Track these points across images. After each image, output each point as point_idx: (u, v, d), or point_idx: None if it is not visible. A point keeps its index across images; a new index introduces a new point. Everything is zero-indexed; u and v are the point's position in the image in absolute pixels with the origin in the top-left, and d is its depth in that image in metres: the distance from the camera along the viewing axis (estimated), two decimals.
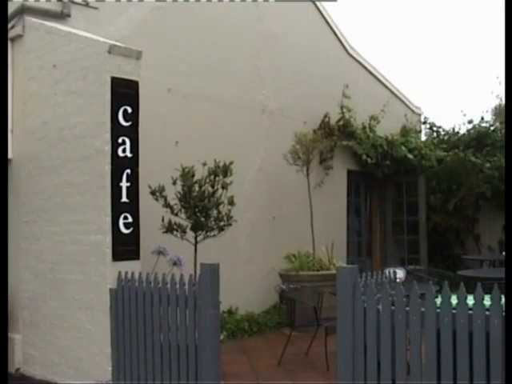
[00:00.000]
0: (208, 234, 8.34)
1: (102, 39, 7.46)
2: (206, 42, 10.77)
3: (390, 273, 6.59)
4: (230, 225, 8.46)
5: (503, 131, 16.55)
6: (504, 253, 14.26)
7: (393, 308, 4.70)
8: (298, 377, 7.97)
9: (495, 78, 31.41)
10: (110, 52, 7.10)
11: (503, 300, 4.32)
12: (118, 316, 6.49)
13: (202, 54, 10.67)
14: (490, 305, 4.35)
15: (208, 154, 8.67)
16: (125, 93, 7.15)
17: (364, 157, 13.83)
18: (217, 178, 8.29)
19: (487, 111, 22.24)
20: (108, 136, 7.00)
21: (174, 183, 8.17)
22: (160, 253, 7.48)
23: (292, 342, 8.87)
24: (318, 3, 13.45)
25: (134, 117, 7.19)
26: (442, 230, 15.90)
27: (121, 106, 7.08)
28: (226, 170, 8.34)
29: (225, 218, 8.37)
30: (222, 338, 8.62)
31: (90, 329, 7.23)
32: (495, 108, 21.23)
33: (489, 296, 4.37)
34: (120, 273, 6.56)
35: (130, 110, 7.15)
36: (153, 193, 8.10)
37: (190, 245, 8.26)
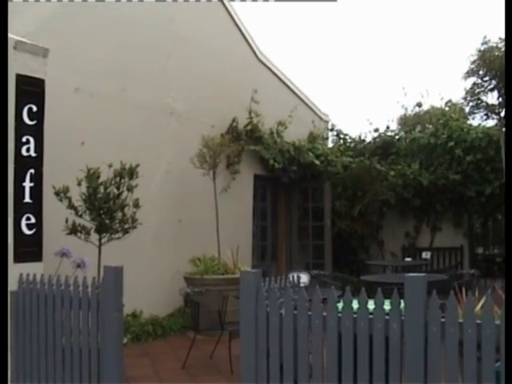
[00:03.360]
0: (112, 236, 8.27)
1: None
2: (115, 43, 10.65)
3: (293, 277, 6.66)
4: (135, 227, 8.42)
5: (408, 140, 17.00)
6: (407, 259, 14.66)
7: (295, 312, 4.75)
8: (201, 380, 7.97)
9: (401, 89, 32.35)
10: (15, 48, 6.94)
11: (402, 304, 4.43)
12: (19, 319, 6.35)
13: (111, 54, 10.54)
14: (390, 309, 4.45)
15: (114, 156, 8.58)
16: (30, 91, 7.00)
17: (271, 162, 13.93)
18: (122, 180, 8.23)
19: (393, 120, 22.87)
20: (11, 135, 6.84)
21: (79, 184, 8.07)
22: (63, 255, 7.36)
23: (196, 345, 8.85)
24: (229, 8, 13.48)
25: (39, 116, 7.04)
26: (346, 235, 16.18)
27: (25, 105, 6.92)
28: (131, 172, 8.29)
29: (130, 221, 8.32)
30: (125, 341, 8.56)
31: None
32: (400, 118, 21.82)
33: (389, 301, 4.47)
34: (21, 275, 6.41)
35: (35, 108, 6.99)
36: (57, 193, 7.97)
37: (94, 247, 8.16)
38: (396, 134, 17.82)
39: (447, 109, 19.60)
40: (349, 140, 17.75)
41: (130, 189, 8.31)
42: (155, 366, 8.80)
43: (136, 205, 8.38)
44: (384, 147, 17.13)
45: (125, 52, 10.82)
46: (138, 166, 8.36)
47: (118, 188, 8.23)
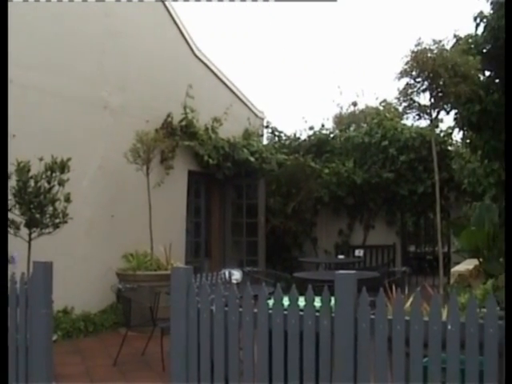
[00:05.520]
0: (43, 231, 8.14)
1: None
2: (49, 35, 10.48)
3: (226, 274, 6.66)
4: (66, 222, 8.32)
5: (342, 139, 17.18)
6: (340, 256, 14.82)
7: (226, 309, 4.74)
8: (133, 377, 7.92)
9: (337, 88, 32.63)
10: None
11: (333, 301, 4.46)
12: None
13: (44, 46, 10.37)
14: (321, 306, 4.48)
15: (46, 150, 8.45)
16: None
17: (206, 158, 13.89)
18: (54, 174, 8.12)
19: (328, 119, 23.09)
20: None
21: (9, 178, 7.91)
22: None
23: (128, 342, 8.79)
24: (167, 4, 13.39)
25: None
26: (280, 232, 16.24)
27: None
28: (63, 166, 8.18)
29: (60, 216, 8.21)
30: (55, 338, 8.45)
31: None
32: (336, 116, 22.02)
33: (320, 298, 4.50)
34: None
35: None
36: None
37: (24, 242, 8.02)
38: (331, 133, 18.00)
39: (382, 108, 19.86)
40: (284, 137, 17.85)
41: (62, 183, 8.20)
42: (86, 363, 8.71)
43: (67, 199, 8.28)
44: (319, 145, 17.28)
45: (59, 45, 10.66)
46: (69, 159, 8.25)
47: (48, 182, 8.11)
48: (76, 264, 10.66)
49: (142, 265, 11.07)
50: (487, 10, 10.17)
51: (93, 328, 10.61)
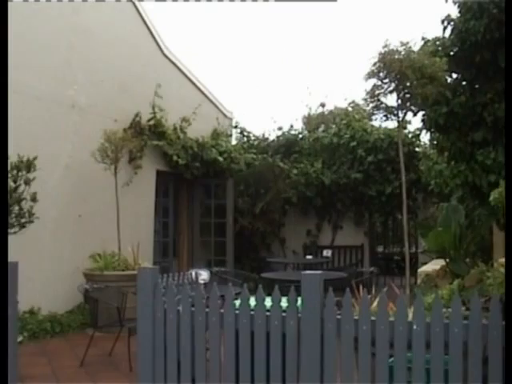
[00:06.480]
0: (8, 230, 8.05)
1: None
2: (14, 31, 10.33)
3: (193, 274, 6.65)
4: (32, 222, 8.25)
5: (311, 139, 17.22)
6: (308, 256, 14.84)
7: (193, 309, 4.73)
8: (100, 378, 7.87)
9: (305, 89, 32.73)
10: None
11: (299, 302, 4.47)
12: None
13: (9, 42, 10.23)
14: (287, 306, 4.49)
15: (12, 148, 8.33)
16: None
17: (174, 158, 13.85)
18: (19, 174, 8.04)
19: (297, 120, 23.11)
20: None
21: None
22: None
23: (95, 342, 8.73)
24: (136, 3, 13.33)
25: None
26: (248, 233, 16.25)
27: None
28: (29, 165, 8.11)
29: (27, 215, 8.15)
30: (21, 339, 8.36)
31: None
32: (304, 117, 22.04)
33: (286, 298, 4.51)
34: None
35: None
36: None
37: None
38: (300, 133, 18.01)
39: (350, 109, 19.93)
40: (252, 138, 17.85)
41: (28, 182, 8.13)
42: (52, 364, 8.63)
43: (33, 199, 8.21)
44: (287, 146, 17.30)
45: (25, 41, 10.54)
46: (35, 158, 8.19)
47: (14, 181, 8.03)
48: (42, 264, 10.57)
49: (109, 265, 11.00)
50: (455, 13, 10.26)
51: (59, 329, 10.52)
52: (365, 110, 16.69)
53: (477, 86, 10.26)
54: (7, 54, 6.21)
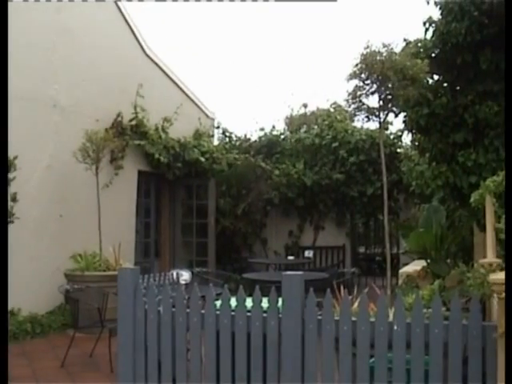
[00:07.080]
0: None
1: None
2: None
3: (174, 275, 6.64)
4: (12, 222, 8.20)
5: (293, 140, 17.24)
6: (290, 257, 14.85)
7: (174, 310, 4.72)
8: (81, 379, 7.86)
9: (288, 89, 32.78)
10: None
11: (280, 303, 4.48)
12: None
13: None
14: (268, 307, 4.49)
15: None
16: None
17: (156, 155, 13.83)
18: None
19: (279, 120, 23.12)
20: None
21: None
22: None
23: (76, 343, 8.70)
24: (118, 3, 13.29)
25: None
26: (230, 233, 16.26)
27: None
28: (9, 165, 8.05)
29: None
30: None
31: None
32: (287, 117, 22.09)
33: (267, 298, 4.51)
34: None
35: None
36: None
37: None
38: (282, 134, 18.03)
39: (332, 110, 19.96)
40: (234, 138, 17.85)
41: (8, 182, 8.06)
42: (32, 365, 8.60)
43: (14, 199, 8.18)
44: (269, 146, 17.32)
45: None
46: (15, 158, 8.16)
47: None
48: (23, 264, 10.50)
49: (90, 265, 10.97)
50: (436, 15, 10.29)
51: (40, 329, 10.48)
52: (347, 111, 16.73)
53: (458, 88, 10.28)
54: (7, 54, 6.18)
